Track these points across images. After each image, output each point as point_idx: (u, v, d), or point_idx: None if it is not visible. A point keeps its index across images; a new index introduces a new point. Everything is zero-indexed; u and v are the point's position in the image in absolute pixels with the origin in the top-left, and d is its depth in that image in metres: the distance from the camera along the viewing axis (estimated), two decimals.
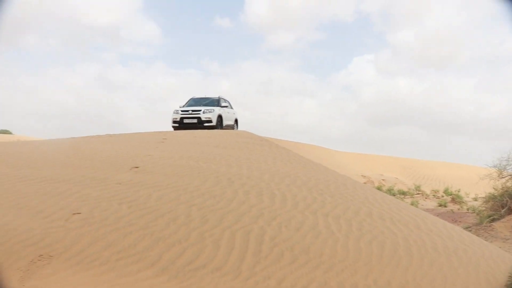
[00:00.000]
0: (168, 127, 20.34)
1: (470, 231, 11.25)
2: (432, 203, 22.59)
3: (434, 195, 27.12)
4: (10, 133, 49.53)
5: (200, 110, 19.95)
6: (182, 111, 20.22)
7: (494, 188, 14.33)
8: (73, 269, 5.15)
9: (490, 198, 13.89)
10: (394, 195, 22.60)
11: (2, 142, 16.66)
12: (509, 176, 14.32)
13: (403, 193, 24.61)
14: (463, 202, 21.59)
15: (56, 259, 5.34)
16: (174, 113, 20.32)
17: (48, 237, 5.80)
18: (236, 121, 23.08)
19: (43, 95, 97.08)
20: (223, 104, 21.44)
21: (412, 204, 18.44)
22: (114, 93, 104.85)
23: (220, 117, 20.38)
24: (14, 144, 14.30)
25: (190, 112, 20.04)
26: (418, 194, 26.80)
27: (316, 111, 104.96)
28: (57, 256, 5.39)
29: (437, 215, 13.23)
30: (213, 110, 20.07)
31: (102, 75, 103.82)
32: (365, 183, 25.12)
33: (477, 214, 14.16)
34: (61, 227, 6.06)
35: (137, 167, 9.14)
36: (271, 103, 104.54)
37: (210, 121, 19.66)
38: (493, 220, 12.67)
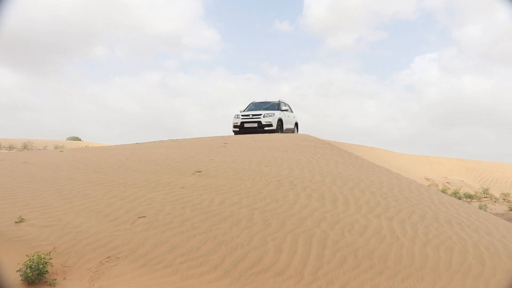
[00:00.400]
0: (229, 131, 20.53)
1: None
2: (502, 207, 21.38)
3: (504, 199, 25.67)
4: (80, 139, 51.89)
5: (260, 114, 19.96)
6: (242, 115, 20.32)
7: None
8: (139, 271, 5.26)
9: None
10: (460, 199, 21.64)
11: (72, 149, 17.40)
12: None
13: (470, 197, 23.45)
14: None
15: (122, 261, 5.47)
16: (234, 117, 20.47)
17: (115, 239, 5.97)
18: (296, 124, 22.94)
19: (109, 103, 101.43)
20: (283, 107, 21.35)
21: (480, 208, 17.56)
22: (176, 99, 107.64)
23: (280, 121, 20.30)
24: (82, 150, 14.90)
25: (250, 116, 20.11)
26: (486, 197, 25.47)
27: (377, 112, 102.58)
28: (124, 258, 5.52)
29: (509, 220, 12.49)
30: (274, 114, 20.02)
31: (164, 82, 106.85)
32: (429, 186, 24.24)
33: None
34: (127, 230, 6.22)
35: (199, 171, 9.25)
36: (331, 106, 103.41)
37: (270, 125, 19.62)
38: None
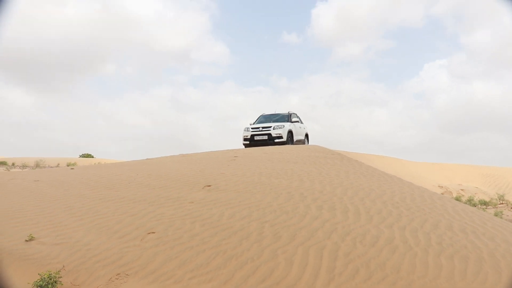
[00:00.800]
0: (240, 144, 20.51)
1: None
2: None
3: None
4: (92, 156, 52.26)
5: (270, 127, 19.93)
6: (252, 128, 20.31)
7: None
8: (149, 287, 5.20)
9: None
10: (475, 206, 21.33)
11: (84, 166, 17.50)
12: None
13: (485, 203, 23.10)
14: None
15: (132, 278, 5.42)
16: (244, 130, 20.46)
17: (125, 256, 5.93)
18: (306, 135, 22.88)
19: (120, 119, 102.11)
20: (294, 119, 21.29)
21: (495, 215, 17.28)
22: (187, 114, 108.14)
23: (290, 133, 20.26)
24: (93, 167, 14.97)
25: (260, 129, 20.09)
26: (502, 204, 25.07)
27: (387, 120, 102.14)
28: (133, 275, 5.48)
29: None
30: (283, 126, 19.98)
31: (174, 97, 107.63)
32: (442, 194, 23.93)
33: None
34: (137, 246, 6.18)
35: (209, 186, 9.22)
36: (341, 116, 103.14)
37: (280, 137, 19.58)
38: None
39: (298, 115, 22.61)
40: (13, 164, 30.98)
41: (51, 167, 28.02)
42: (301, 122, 22.59)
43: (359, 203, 7.66)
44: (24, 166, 29.81)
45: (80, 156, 53.12)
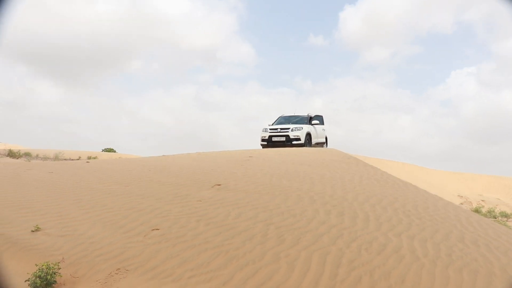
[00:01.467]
0: (258, 145, 20.44)
1: None
2: None
3: None
4: (114, 151, 52.72)
5: (288, 128, 19.82)
6: (270, 129, 20.23)
7: None
8: (147, 284, 5.15)
9: None
10: (495, 218, 20.82)
11: (101, 160, 17.65)
12: None
13: (506, 216, 22.49)
14: None
15: (132, 274, 5.38)
16: (263, 131, 20.39)
17: (127, 251, 5.90)
18: (326, 138, 22.69)
19: (144, 116, 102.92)
20: (313, 121, 21.13)
21: None
22: (210, 113, 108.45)
23: (308, 135, 20.10)
24: (108, 162, 15.09)
25: (278, 130, 19.99)
26: None
27: (411, 127, 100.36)
28: (133, 271, 5.43)
29: None
30: (302, 128, 19.84)
31: (198, 96, 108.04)
32: (461, 204, 23.45)
33: None
34: (139, 242, 6.15)
35: (219, 185, 9.17)
36: (364, 121, 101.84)
37: (298, 139, 19.44)
38: None
39: (321, 115, 22.37)
40: (37, 155, 31.44)
41: (72, 159, 28.37)
42: (322, 124, 22.33)
43: (369, 210, 7.49)
44: (45, 158, 30.25)
45: (103, 150, 53.64)
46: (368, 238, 6.14)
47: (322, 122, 22.27)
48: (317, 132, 21.11)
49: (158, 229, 6.55)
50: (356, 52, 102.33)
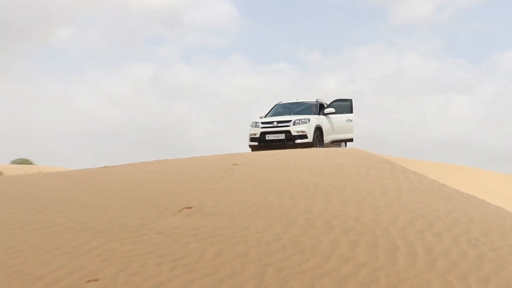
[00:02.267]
0: (246, 146, 20.38)
1: None
2: None
3: None
4: (31, 163, 52.67)
5: (289, 121, 19.81)
6: (263, 123, 20.23)
7: None
8: None
9: None
10: None
11: (11, 177, 17.40)
12: None
13: None
14: None
15: None
16: (252, 126, 20.36)
17: None
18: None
19: (78, 109, 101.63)
20: (327, 110, 21.00)
21: None
22: (175, 102, 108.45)
23: (319, 130, 20.07)
24: (21, 179, 14.90)
25: (275, 124, 19.98)
26: None
27: (471, 113, 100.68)
28: None
29: None
30: (308, 119, 19.80)
31: (158, 78, 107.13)
32: None
33: None
34: None
35: (189, 208, 9.10)
36: (400, 106, 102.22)
37: (304, 136, 19.42)
38: None
39: (352, 102, 22.12)
40: None
41: None
42: (351, 112, 22.07)
43: (415, 238, 7.38)
44: None
45: (12, 162, 53.60)
46: (416, 282, 5.91)
47: (350, 110, 22.04)
48: (333, 125, 21.06)
49: (96, 280, 6.22)
50: (386, 9, 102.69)
